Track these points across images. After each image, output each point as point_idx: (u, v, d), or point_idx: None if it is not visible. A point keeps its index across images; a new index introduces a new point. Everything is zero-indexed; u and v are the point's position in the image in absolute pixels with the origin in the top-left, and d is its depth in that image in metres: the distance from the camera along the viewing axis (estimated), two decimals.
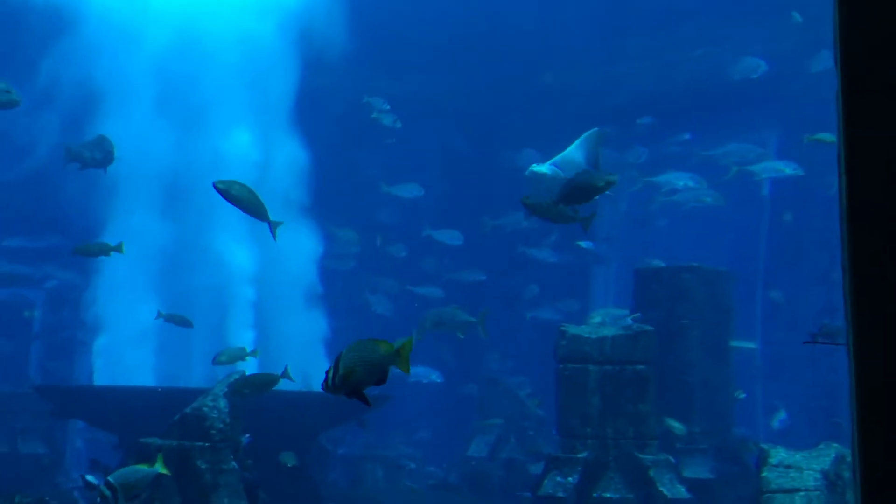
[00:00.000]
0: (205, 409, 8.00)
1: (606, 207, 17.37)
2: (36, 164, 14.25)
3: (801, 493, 7.18)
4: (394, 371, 4.52)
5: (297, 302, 13.04)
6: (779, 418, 11.51)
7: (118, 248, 9.60)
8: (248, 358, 9.29)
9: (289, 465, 10.71)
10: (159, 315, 10.20)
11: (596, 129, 7.85)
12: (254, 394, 7.84)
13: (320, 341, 13.00)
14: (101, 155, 10.84)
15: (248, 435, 8.17)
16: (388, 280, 15.69)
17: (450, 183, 17.16)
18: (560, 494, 8.89)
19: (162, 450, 7.84)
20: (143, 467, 6.08)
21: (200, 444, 7.78)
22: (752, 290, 16.19)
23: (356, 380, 4.35)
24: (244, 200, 7.76)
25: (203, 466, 7.73)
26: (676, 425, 9.86)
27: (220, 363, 9.25)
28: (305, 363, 12.68)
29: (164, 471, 6.14)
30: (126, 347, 12.05)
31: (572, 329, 9.53)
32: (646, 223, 16.49)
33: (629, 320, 10.47)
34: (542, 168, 7.66)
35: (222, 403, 8.08)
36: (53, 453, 14.31)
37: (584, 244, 13.65)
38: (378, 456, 14.49)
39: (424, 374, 14.39)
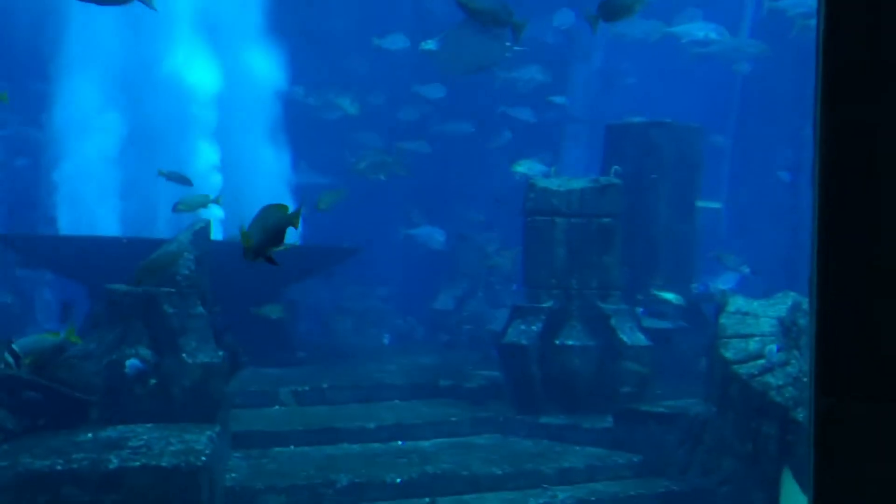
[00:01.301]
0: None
1: (578, 67, 17.11)
2: None
3: (756, 339, 7.42)
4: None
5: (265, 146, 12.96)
6: (739, 273, 11.74)
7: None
8: (210, 205, 9.19)
9: (273, 318, 10.86)
10: (160, 173, 9.94)
11: None
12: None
13: (287, 186, 12.98)
14: None
15: None
16: (370, 133, 15.36)
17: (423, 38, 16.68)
18: (523, 342, 9.11)
19: (128, 295, 7.90)
20: (47, 336, 6.10)
21: (167, 289, 7.81)
22: (722, 147, 16.14)
23: (255, 244, 4.85)
24: None
25: (170, 311, 7.78)
26: (671, 296, 9.99)
27: (180, 211, 9.15)
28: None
29: (74, 339, 6.16)
30: (90, 192, 11.96)
31: (541, 182, 9.53)
32: (617, 81, 16.28)
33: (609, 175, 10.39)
34: None
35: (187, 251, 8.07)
36: (22, 303, 14.39)
37: (556, 99, 13.50)
38: (347, 308, 14.74)
39: (428, 233, 14.36)
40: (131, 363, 7.33)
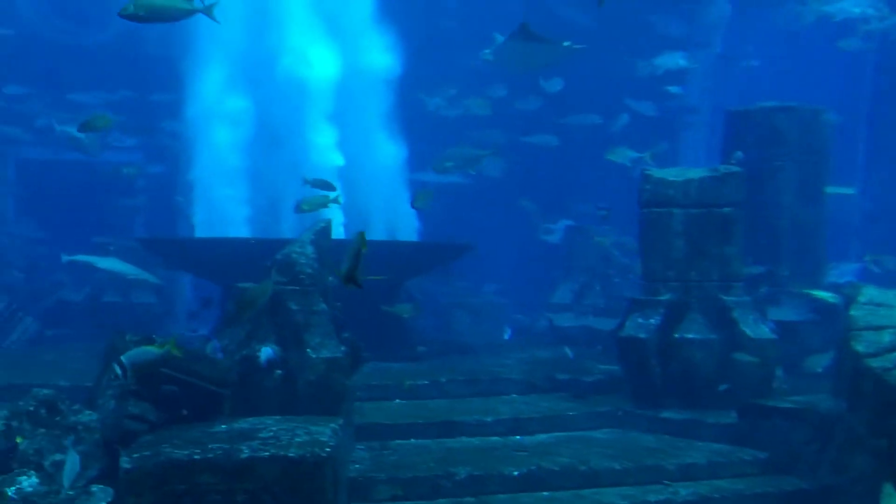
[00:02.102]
0: (294, 255, 8.32)
1: (698, 54, 16.68)
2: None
3: (890, 330, 7.07)
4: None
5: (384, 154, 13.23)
6: (873, 261, 11.21)
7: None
8: (330, 205, 9.51)
9: (405, 317, 11.14)
10: (305, 181, 10.36)
11: None
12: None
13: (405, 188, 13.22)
14: None
15: None
16: (493, 130, 15.43)
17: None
18: (641, 335, 9.00)
19: (255, 293, 8.26)
20: (152, 348, 6.43)
21: (291, 287, 8.13)
22: (854, 133, 15.45)
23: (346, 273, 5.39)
24: None
25: (294, 308, 8.10)
26: (827, 295, 9.67)
27: (302, 211, 9.49)
28: (391, 213, 12.99)
29: (175, 351, 6.48)
30: (221, 192, 12.58)
31: (657, 172, 9.37)
32: (738, 65, 15.79)
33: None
34: None
35: (309, 250, 8.38)
36: (164, 303, 15.21)
37: (672, 89, 13.25)
38: (465, 303, 14.91)
39: (565, 228, 14.35)
40: (265, 350, 7.69)
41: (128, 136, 15.77)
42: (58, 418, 7.18)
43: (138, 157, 16.27)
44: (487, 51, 11.34)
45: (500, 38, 11.21)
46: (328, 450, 6.90)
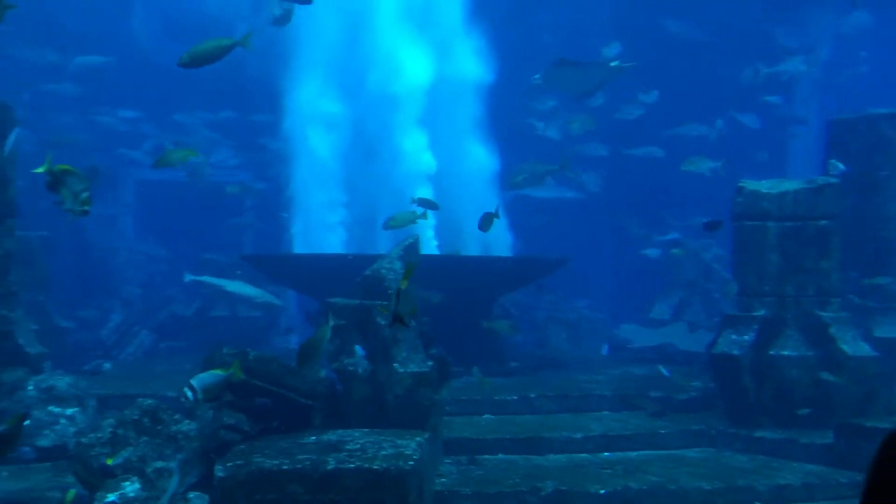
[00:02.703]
0: (382, 270, 8.52)
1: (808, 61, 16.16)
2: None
3: None
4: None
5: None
6: None
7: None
8: (417, 221, 9.67)
9: (503, 334, 11.24)
10: (413, 200, 10.63)
11: None
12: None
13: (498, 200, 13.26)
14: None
15: None
16: (592, 143, 15.36)
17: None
18: (734, 352, 8.77)
19: (346, 308, 8.50)
20: (219, 371, 6.67)
21: (380, 302, 8.32)
22: None
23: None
24: None
25: (382, 322, 8.28)
26: None
27: (390, 227, 9.71)
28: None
29: (238, 375, 6.70)
30: (320, 222, 12.97)
31: (750, 185, 9.14)
32: (846, 72, 15.20)
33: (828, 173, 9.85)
34: None
35: (398, 265, 8.57)
36: (268, 316, 15.75)
37: (772, 98, 12.88)
38: (562, 318, 14.83)
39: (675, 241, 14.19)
40: (358, 348, 7.92)
41: (232, 155, 16.46)
42: (160, 427, 7.56)
43: (244, 176, 16.96)
44: (537, 76, 11.42)
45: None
46: (412, 463, 7.02)
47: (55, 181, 5.68)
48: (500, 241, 13.13)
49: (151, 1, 18.88)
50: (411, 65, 12.81)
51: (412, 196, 10.90)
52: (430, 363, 8.35)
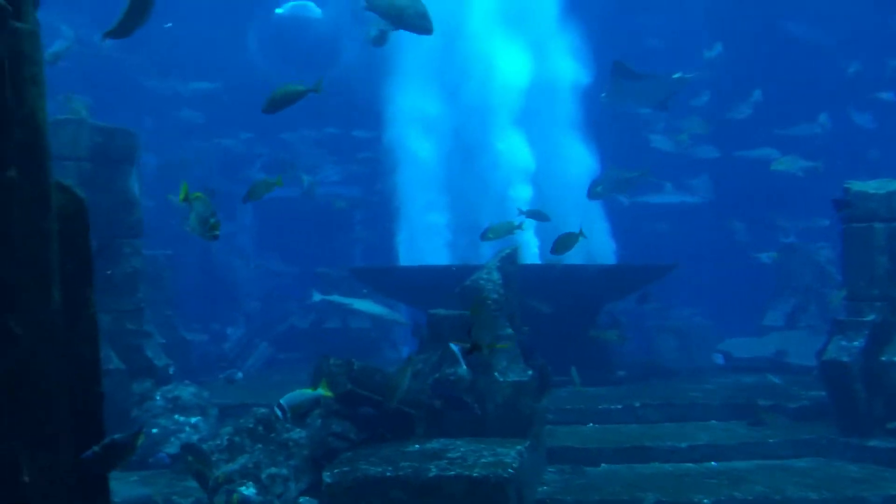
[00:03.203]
0: (481, 281, 8.69)
1: None
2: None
3: None
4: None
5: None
6: None
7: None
8: (515, 231, 9.80)
9: (610, 343, 11.26)
10: (520, 212, 10.83)
11: None
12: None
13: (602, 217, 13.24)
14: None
15: None
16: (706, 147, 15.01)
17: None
18: (844, 359, 8.51)
19: (447, 318, 8.72)
20: (308, 391, 6.96)
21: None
22: None
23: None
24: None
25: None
26: None
27: (488, 239, 9.87)
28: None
29: (326, 394, 6.96)
30: (424, 230, 13.26)
31: (857, 185, 8.85)
32: None
33: None
34: None
35: (496, 276, 8.72)
36: (379, 328, 16.18)
37: (885, 95, 12.36)
38: (671, 326, 14.62)
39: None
40: (456, 350, 8.19)
41: (337, 171, 17.02)
42: (272, 435, 7.98)
43: (351, 191, 17.50)
44: (603, 94, 11.41)
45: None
46: (511, 471, 7.16)
47: (187, 207, 6.09)
48: (604, 248, 13.09)
49: (265, 27, 19.75)
50: (508, 66, 12.94)
51: (519, 208, 11.03)
52: (529, 373, 8.47)
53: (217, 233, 6.20)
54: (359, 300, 14.24)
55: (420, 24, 7.62)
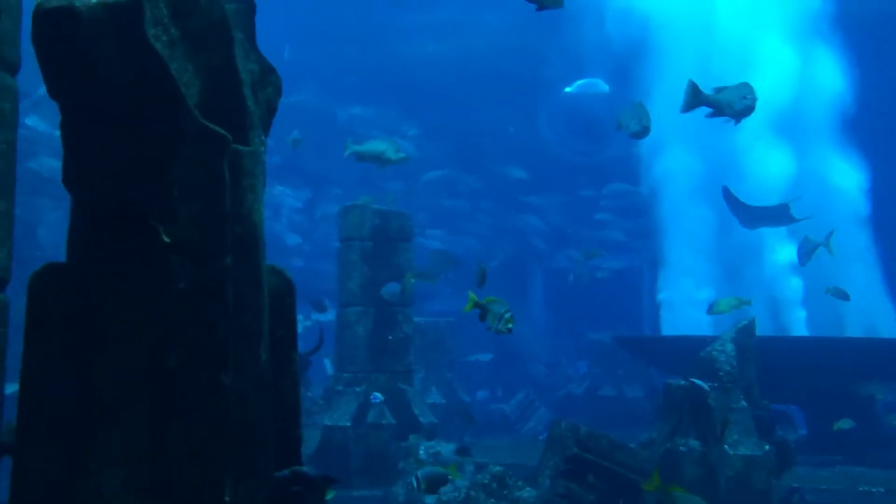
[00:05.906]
0: (714, 352, 8.69)
1: None
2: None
3: None
4: None
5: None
6: None
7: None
8: (743, 306, 9.58)
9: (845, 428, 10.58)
10: (827, 290, 10.85)
11: None
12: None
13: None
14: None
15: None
16: None
17: None
18: None
19: (679, 389, 8.81)
20: (441, 469, 7.40)
21: (710, 384, 8.49)
22: None
23: None
24: None
25: (713, 405, 8.43)
26: None
27: (714, 313, 9.74)
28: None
29: (454, 476, 7.42)
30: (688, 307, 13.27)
31: None
32: None
33: None
34: None
35: (729, 347, 8.67)
36: (651, 398, 16.16)
37: None
38: None
39: None
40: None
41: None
42: (505, 492, 8.59)
43: (624, 260, 17.80)
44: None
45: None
46: None
47: (483, 311, 6.99)
48: (888, 318, 12.14)
49: (555, 107, 20.92)
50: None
51: (827, 287, 10.86)
52: (766, 447, 8.28)
53: (511, 326, 6.90)
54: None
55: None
